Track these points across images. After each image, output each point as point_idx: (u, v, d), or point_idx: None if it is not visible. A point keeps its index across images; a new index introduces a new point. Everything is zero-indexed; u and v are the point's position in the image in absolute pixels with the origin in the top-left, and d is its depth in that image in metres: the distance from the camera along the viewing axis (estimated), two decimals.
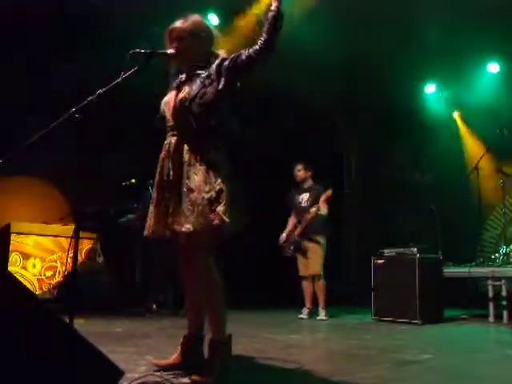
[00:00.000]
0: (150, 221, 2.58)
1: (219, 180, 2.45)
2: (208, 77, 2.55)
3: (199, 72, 2.60)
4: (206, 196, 2.40)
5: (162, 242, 2.67)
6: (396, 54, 6.80)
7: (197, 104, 2.50)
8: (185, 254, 2.62)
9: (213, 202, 2.40)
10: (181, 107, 2.54)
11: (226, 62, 2.53)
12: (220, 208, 2.39)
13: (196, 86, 2.55)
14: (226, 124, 2.59)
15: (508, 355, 3.47)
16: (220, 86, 2.50)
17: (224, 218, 2.39)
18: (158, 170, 2.61)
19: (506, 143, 6.26)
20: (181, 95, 2.56)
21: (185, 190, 2.45)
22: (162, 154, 2.60)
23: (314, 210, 5.59)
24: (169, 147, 2.57)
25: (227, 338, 2.54)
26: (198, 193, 2.42)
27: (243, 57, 2.48)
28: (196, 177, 2.45)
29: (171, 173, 2.51)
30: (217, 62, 2.57)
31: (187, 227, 2.39)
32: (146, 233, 2.60)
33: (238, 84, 2.60)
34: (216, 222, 2.39)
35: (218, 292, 2.52)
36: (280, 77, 7.58)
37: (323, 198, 5.63)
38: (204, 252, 2.50)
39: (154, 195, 2.60)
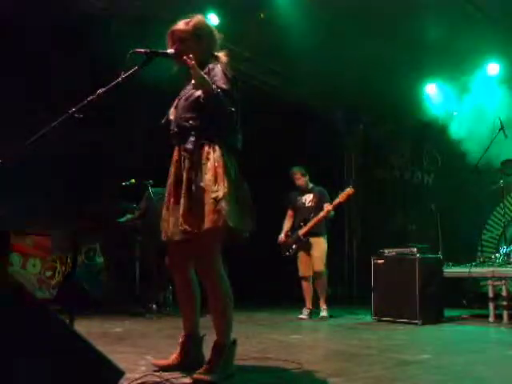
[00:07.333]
0: (165, 224, 2.57)
1: (227, 181, 2.44)
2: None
3: None
4: (213, 195, 2.40)
5: (163, 241, 2.66)
6: (396, 53, 6.79)
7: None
8: (183, 252, 2.62)
9: (219, 203, 2.39)
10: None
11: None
12: (225, 210, 2.38)
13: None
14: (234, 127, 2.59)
15: (508, 355, 3.47)
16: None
17: (228, 220, 2.38)
18: (172, 170, 2.61)
19: (506, 143, 6.26)
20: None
21: (194, 188, 2.45)
22: (175, 156, 2.61)
23: (329, 208, 5.55)
24: (179, 149, 2.58)
25: (232, 342, 2.54)
26: (206, 192, 2.42)
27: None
28: (206, 176, 2.44)
29: (184, 173, 2.51)
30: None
31: (195, 227, 2.39)
32: (164, 237, 2.59)
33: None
34: (220, 223, 2.38)
35: (227, 296, 2.52)
36: (280, 77, 7.60)
37: (344, 195, 5.50)
38: (214, 254, 2.50)
39: (167, 198, 2.60)
